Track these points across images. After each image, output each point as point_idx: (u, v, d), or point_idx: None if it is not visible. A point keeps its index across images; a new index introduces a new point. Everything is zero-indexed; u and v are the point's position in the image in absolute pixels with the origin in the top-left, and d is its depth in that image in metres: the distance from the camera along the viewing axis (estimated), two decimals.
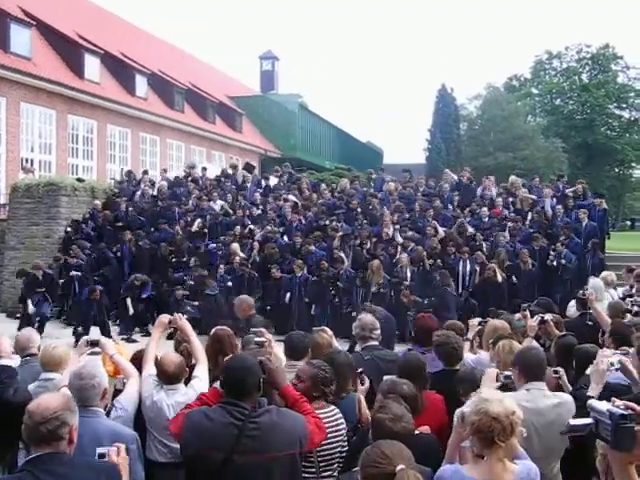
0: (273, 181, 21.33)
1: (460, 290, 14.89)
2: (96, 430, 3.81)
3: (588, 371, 4.63)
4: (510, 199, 18.06)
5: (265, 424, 3.58)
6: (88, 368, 4.07)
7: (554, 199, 17.66)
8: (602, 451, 3.24)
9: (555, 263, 14.96)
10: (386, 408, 3.52)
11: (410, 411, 3.70)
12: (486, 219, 16.94)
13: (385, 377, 4.54)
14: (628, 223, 56.77)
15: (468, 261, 15.08)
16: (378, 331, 6.00)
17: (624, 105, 59.31)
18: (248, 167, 22.04)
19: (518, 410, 3.27)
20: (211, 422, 3.58)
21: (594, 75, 59.98)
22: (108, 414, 4.35)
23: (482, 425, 3.17)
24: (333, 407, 4.34)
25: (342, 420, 4.30)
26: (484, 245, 15.87)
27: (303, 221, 17.69)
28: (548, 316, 6.22)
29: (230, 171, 22.21)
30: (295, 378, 4.36)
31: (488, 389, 3.43)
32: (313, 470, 4.13)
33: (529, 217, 17.02)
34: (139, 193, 19.93)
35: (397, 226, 16.50)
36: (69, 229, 18.16)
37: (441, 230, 16.24)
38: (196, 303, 15.10)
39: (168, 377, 4.75)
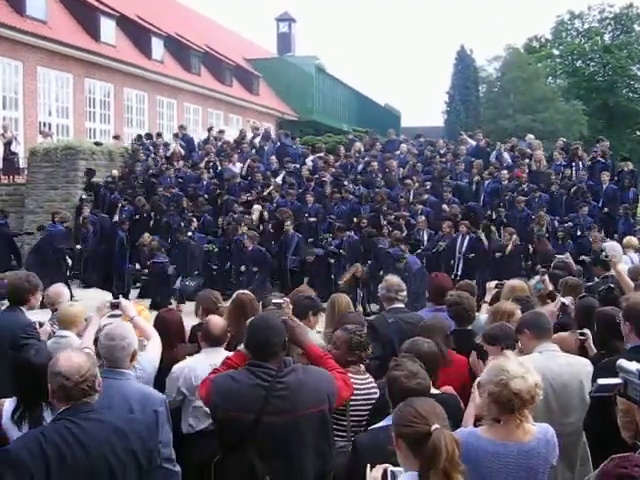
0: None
1: (456, 270, 14.21)
2: (125, 392, 3.85)
3: None
4: (526, 161, 17.77)
5: (292, 383, 3.60)
6: (119, 329, 4.07)
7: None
8: (622, 407, 3.23)
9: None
10: (401, 365, 3.52)
11: (425, 368, 3.71)
12: (505, 182, 16.73)
13: None
14: None
15: (467, 237, 14.43)
16: (404, 292, 5.99)
17: None
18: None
19: (539, 380, 3.24)
20: (238, 384, 3.60)
21: (616, 36, 58.64)
22: None
23: (502, 397, 3.15)
24: (367, 375, 4.39)
25: (375, 389, 4.34)
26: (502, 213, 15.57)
27: (327, 179, 17.54)
28: (567, 300, 6.02)
29: (251, 133, 22.24)
30: (331, 344, 4.43)
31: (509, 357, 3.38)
32: (344, 434, 4.20)
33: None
34: (151, 157, 19.94)
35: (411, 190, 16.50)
36: (84, 196, 18.17)
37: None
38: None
39: (213, 339, 4.79)
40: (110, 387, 3.83)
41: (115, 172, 19.26)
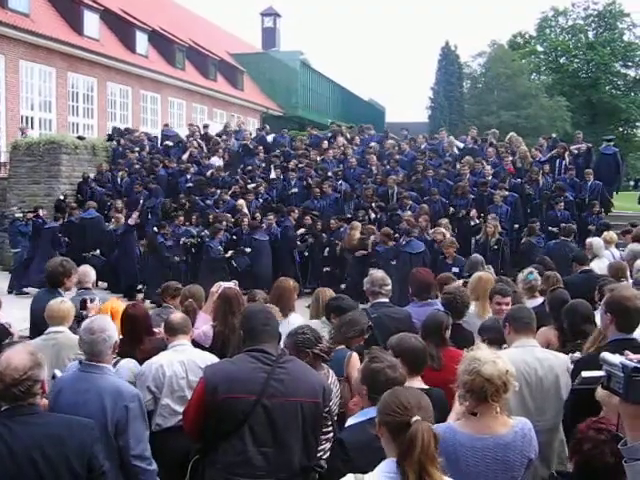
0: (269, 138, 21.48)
1: None
2: (100, 386, 3.84)
3: None
4: (510, 158, 17.79)
5: (292, 370, 3.66)
6: (98, 322, 4.07)
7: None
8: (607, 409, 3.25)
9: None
10: (379, 358, 3.53)
11: (413, 363, 3.73)
12: (489, 177, 16.73)
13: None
14: (631, 183, 56.45)
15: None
16: (389, 287, 6.01)
17: (630, 63, 58.38)
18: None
19: (511, 368, 3.28)
20: (237, 368, 3.63)
21: (600, 33, 58.92)
22: None
23: (475, 386, 3.20)
24: (326, 368, 4.40)
25: (336, 381, 4.39)
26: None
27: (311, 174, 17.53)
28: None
29: (235, 127, 22.28)
30: None
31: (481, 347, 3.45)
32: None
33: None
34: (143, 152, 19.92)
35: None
36: (67, 193, 18.11)
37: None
38: None
39: (173, 328, 4.86)
40: (86, 381, 3.87)
41: (105, 165, 19.37)
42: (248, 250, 14.97)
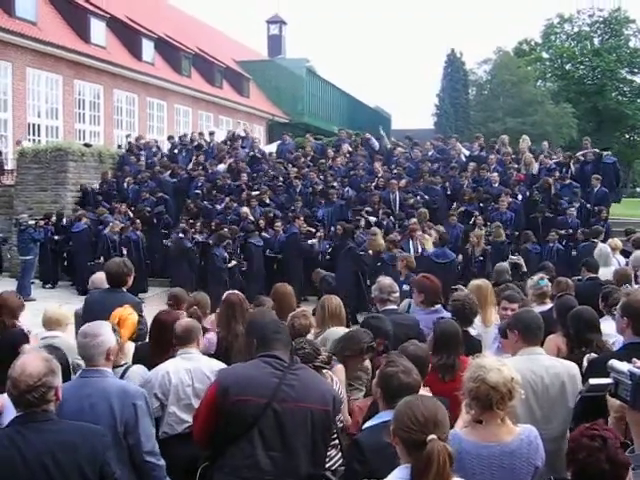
0: (271, 148, 21.60)
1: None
2: (105, 388, 3.84)
3: None
4: (515, 165, 17.80)
5: (303, 376, 3.68)
6: (93, 326, 4.04)
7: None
8: (617, 415, 3.25)
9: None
10: (395, 362, 3.52)
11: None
12: (496, 184, 16.71)
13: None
14: (638, 190, 56.36)
15: (418, 242, 13.76)
16: (397, 294, 6.03)
17: (635, 70, 58.25)
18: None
19: (517, 375, 3.27)
20: (249, 372, 3.65)
21: (606, 39, 58.86)
22: None
23: (480, 393, 3.18)
24: (330, 376, 4.42)
25: (341, 388, 4.41)
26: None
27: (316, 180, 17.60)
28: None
29: (242, 133, 22.34)
30: None
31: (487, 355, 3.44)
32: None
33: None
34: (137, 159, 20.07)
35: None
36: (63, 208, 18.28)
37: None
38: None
39: (177, 337, 4.79)
40: (88, 386, 3.86)
41: (110, 173, 19.48)
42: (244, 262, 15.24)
